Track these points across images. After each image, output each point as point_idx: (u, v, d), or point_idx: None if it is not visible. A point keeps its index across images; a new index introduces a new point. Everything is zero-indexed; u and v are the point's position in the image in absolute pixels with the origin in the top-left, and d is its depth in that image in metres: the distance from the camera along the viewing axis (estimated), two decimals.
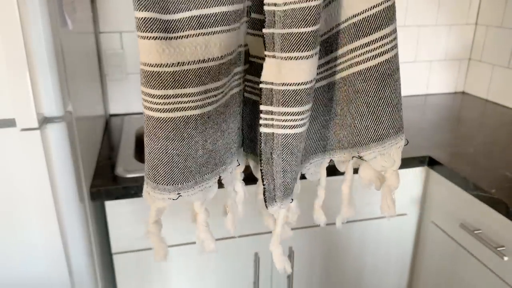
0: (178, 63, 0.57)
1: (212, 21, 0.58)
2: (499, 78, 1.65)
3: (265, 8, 0.60)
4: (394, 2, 0.61)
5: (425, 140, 1.30)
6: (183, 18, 0.57)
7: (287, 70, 0.60)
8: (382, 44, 0.62)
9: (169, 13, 0.56)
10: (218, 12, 0.58)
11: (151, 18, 0.55)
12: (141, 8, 0.55)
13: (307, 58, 0.59)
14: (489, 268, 1.05)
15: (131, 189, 1.01)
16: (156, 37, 0.56)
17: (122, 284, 1.12)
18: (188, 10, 0.57)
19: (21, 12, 0.72)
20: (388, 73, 0.63)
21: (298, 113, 0.63)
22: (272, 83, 0.63)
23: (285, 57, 0.60)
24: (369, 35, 0.62)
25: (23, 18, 0.73)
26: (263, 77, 0.64)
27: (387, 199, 0.74)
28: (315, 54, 0.60)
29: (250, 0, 0.66)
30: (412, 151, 1.22)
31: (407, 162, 1.18)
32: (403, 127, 0.69)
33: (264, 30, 0.61)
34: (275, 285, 1.25)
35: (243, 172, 0.80)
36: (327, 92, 0.70)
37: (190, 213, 0.77)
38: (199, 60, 0.59)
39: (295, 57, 0.59)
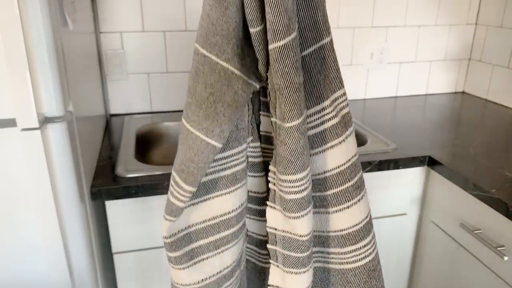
0: (202, 279, 0.73)
1: (225, 241, 0.72)
2: (499, 78, 1.65)
3: (268, 229, 0.71)
4: (370, 217, 0.72)
5: (425, 140, 1.30)
6: (203, 244, 0.72)
7: (290, 281, 0.72)
8: (366, 250, 0.74)
9: (192, 242, 0.71)
10: (229, 234, 0.73)
11: (180, 255, 0.70)
12: (171, 250, 0.69)
13: (304, 273, 0.71)
14: (489, 268, 1.05)
15: (132, 189, 1.01)
16: (185, 267, 0.71)
17: (122, 284, 1.12)
18: (206, 238, 0.71)
19: (21, 12, 0.73)
20: (373, 268, 0.75)
21: None
22: (278, 287, 0.75)
23: (286, 271, 0.71)
24: (355, 244, 0.73)
25: (24, 18, 0.73)
26: (270, 281, 0.75)
27: None
28: (311, 267, 0.71)
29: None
30: (412, 151, 1.22)
31: (407, 162, 1.18)
32: None
33: (268, 246, 0.73)
34: None
35: None
36: (323, 273, 0.80)
37: None
38: (217, 273, 0.74)
39: (295, 272, 0.71)
